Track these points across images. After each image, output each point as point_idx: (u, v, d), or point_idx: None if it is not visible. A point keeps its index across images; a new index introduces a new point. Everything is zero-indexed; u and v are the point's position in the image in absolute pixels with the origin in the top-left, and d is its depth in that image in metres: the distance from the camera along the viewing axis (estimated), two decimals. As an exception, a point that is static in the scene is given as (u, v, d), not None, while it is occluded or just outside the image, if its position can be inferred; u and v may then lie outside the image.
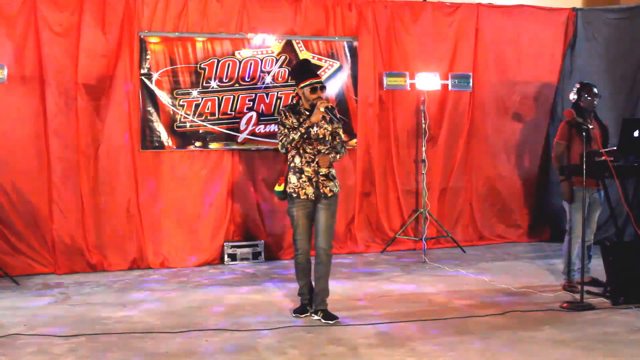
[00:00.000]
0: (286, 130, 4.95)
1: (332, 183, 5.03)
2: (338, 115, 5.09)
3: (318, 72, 5.20)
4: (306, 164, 4.97)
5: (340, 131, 5.13)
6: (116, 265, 6.98)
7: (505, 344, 4.45)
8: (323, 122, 4.98)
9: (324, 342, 4.51)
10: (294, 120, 4.98)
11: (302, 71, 5.13)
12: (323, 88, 5.06)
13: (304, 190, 4.95)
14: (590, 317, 5.05)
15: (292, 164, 5.03)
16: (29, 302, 5.70)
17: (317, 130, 4.94)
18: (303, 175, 4.96)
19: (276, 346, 4.44)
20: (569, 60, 8.39)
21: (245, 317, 5.15)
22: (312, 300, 5.15)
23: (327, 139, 5.02)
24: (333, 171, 5.07)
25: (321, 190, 4.97)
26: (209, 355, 4.30)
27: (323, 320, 4.97)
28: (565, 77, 8.30)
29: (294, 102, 5.20)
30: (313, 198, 4.98)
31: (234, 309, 5.42)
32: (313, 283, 5.20)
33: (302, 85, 5.02)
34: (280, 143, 4.97)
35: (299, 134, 4.87)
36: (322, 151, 4.99)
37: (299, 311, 5.16)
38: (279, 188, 5.12)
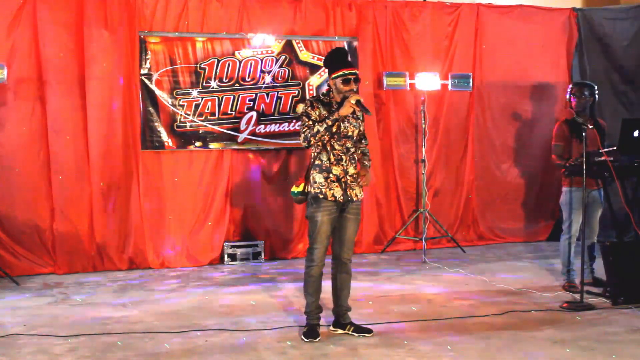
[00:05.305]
0: (310, 122, 4.45)
1: (358, 188, 4.58)
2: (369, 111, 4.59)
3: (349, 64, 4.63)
4: (335, 162, 4.50)
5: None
6: (116, 265, 6.99)
7: (505, 344, 4.45)
8: (352, 117, 4.55)
9: (324, 342, 4.51)
10: (323, 112, 4.48)
11: (336, 60, 4.60)
12: (357, 80, 4.56)
13: (331, 192, 4.46)
14: (590, 317, 5.04)
15: (317, 162, 4.53)
16: (29, 302, 5.70)
17: (347, 126, 4.50)
18: (331, 175, 4.48)
19: (276, 346, 4.43)
20: (578, 61, 8.38)
21: (245, 317, 5.14)
22: (319, 319, 4.68)
23: (354, 137, 4.59)
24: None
25: (349, 194, 4.51)
26: (209, 355, 4.29)
27: (356, 335, 4.61)
28: (577, 77, 8.26)
29: (325, 91, 4.67)
30: (342, 200, 4.49)
31: (234, 309, 5.42)
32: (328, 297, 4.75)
33: (334, 75, 4.53)
34: (302, 135, 4.46)
35: (325, 126, 4.38)
36: (350, 149, 4.55)
37: (311, 335, 4.54)
38: (296, 189, 4.64)
